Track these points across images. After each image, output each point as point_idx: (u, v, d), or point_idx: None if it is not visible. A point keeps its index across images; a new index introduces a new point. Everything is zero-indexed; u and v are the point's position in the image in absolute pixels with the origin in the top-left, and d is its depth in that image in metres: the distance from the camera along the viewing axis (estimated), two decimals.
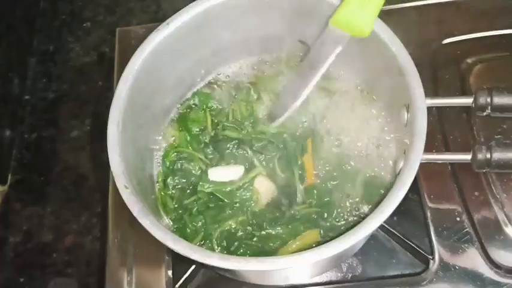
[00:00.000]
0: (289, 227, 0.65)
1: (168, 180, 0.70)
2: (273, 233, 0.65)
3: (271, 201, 0.68)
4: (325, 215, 0.66)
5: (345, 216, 0.66)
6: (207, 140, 0.71)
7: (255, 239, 0.65)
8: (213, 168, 0.68)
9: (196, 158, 0.70)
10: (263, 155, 0.69)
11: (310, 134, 0.70)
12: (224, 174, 0.68)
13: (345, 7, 0.62)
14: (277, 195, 0.68)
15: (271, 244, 0.65)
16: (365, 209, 0.66)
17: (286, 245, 0.64)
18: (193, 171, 0.70)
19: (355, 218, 0.66)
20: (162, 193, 0.70)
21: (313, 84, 0.65)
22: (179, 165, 0.70)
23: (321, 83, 0.66)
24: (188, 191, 0.69)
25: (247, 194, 0.67)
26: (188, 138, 0.72)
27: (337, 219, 0.66)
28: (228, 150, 0.69)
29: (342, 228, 0.65)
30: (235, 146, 0.69)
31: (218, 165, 0.69)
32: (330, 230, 0.65)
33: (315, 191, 0.67)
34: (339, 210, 0.66)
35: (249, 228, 0.66)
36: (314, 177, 0.68)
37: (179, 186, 0.70)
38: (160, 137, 0.73)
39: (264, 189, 0.67)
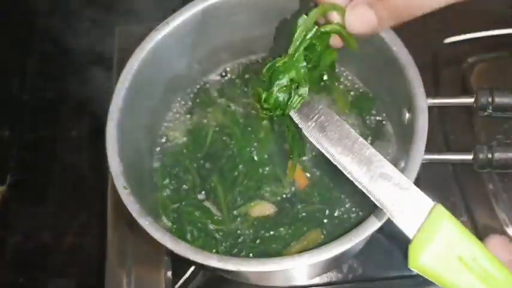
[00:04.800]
0: (292, 227, 0.65)
1: (165, 181, 0.70)
2: (276, 234, 0.65)
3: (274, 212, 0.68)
4: (327, 211, 0.66)
5: (346, 212, 0.66)
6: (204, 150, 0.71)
7: (257, 241, 0.65)
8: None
9: (192, 172, 0.70)
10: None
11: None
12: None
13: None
14: (279, 206, 0.68)
15: (274, 246, 0.65)
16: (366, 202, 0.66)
17: (289, 246, 0.64)
18: (186, 184, 0.70)
19: (355, 214, 0.66)
20: (161, 194, 0.69)
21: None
22: (175, 171, 0.70)
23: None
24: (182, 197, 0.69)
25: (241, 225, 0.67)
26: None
27: (339, 216, 0.66)
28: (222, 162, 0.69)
29: (345, 225, 0.65)
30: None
31: (210, 177, 0.69)
32: (332, 228, 0.65)
33: (314, 190, 0.67)
34: (340, 206, 0.66)
35: (252, 230, 0.66)
36: (305, 178, 0.68)
37: (173, 188, 0.70)
38: (160, 137, 0.73)
39: (263, 211, 0.67)
